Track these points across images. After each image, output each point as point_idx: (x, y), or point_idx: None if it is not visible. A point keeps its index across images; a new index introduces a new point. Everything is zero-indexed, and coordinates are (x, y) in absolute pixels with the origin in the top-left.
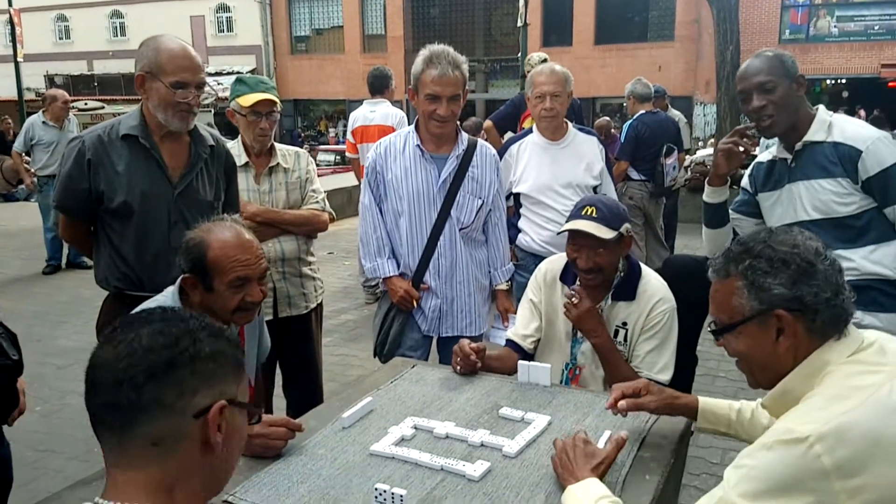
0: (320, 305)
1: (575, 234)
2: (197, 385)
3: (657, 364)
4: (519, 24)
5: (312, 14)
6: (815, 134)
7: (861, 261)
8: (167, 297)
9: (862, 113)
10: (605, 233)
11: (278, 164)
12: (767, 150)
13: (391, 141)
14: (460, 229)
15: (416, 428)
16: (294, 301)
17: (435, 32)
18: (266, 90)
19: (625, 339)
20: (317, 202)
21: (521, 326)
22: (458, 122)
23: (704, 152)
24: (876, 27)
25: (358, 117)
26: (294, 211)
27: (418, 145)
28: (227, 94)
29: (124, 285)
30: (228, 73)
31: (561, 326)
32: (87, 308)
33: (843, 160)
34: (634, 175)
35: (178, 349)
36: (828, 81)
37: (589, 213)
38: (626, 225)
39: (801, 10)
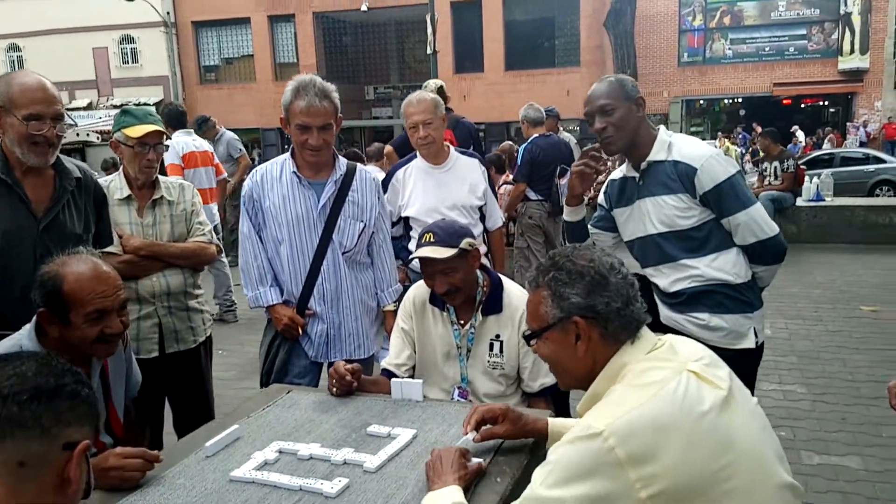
0: (209, 339)
1: (422, 263)
2: (71, 419)
3: (542, 369)
4: (428, 51)
5: (221, 43)
6: (657, 154)
7: (705, 268)
8: (23, 334)
9: (759, 129)
10: (444, 252)
11: (162, 196)
12: (619, 169)
13: (267, 168)
14: (343, 253)
15: (280, 452)
16: (181, 336)
17: (348, 60)
18: (155, 122)
19: (500, 351)
20: (203, 234)
21: (394, 355)
22: (335, 149)
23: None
24: (767, 48)
25: (186, 144)
26: (179, 244)
27: (295, 172)
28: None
29: None
30: (136, 106)
31: (437, 348)
32: None
33: (682, 177)
34: (532, 195)
35: (62, 381)
36: (725, 100)
37: (427, 239)
38: (468, 240)
39: (697, 34)
